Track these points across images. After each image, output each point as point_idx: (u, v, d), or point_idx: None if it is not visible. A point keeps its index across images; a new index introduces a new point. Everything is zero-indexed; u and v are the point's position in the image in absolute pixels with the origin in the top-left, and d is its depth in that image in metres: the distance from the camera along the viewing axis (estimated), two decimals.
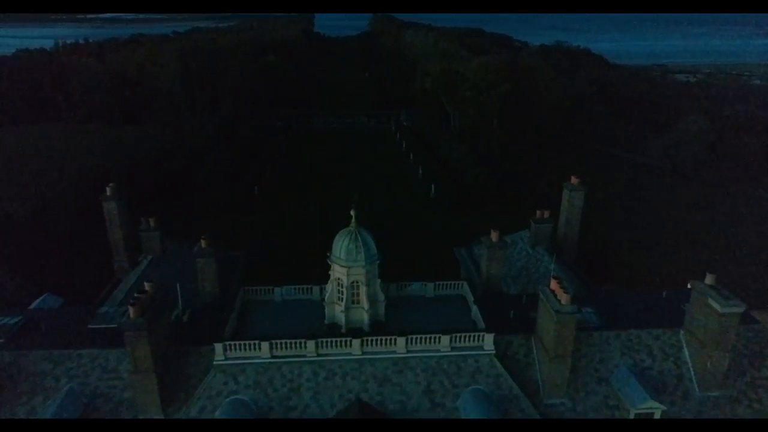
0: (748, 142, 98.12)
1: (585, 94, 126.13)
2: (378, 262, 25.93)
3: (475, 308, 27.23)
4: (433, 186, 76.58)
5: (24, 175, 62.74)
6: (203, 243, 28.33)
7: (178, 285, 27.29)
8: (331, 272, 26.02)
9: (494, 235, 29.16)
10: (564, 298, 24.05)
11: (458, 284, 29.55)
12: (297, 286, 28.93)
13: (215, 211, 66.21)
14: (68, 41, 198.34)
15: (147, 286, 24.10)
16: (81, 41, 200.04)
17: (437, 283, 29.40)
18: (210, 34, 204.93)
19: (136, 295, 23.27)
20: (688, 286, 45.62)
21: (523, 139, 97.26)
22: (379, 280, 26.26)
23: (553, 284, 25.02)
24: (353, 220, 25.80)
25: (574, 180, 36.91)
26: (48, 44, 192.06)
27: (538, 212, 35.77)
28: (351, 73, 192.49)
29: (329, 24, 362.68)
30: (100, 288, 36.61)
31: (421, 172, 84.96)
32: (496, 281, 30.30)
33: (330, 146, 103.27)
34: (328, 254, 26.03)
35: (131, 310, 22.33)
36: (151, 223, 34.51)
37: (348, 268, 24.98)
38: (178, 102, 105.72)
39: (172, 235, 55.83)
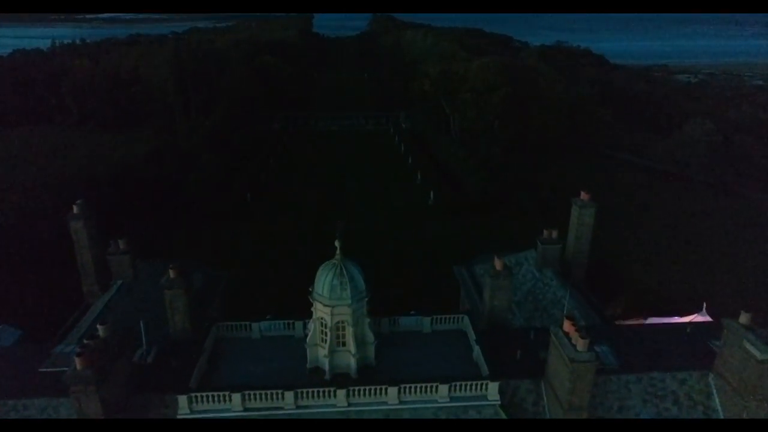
0: (754, 145, 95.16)
1: (587, 95, 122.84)
2: (367, 298, 22.51)
3: (477, 348, 23.85)
4: (432, 193, 73.17)
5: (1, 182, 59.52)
6: (172, 273, 24.95)
7: (141, 322, 23.90)
8: (313, 310, 22.62)
9: (498, 263, 25.77)
10: (581, 343, 20.67)
11: (458, 318, 26.16)
12: (277, 321, 25.55)
13: (204, 220, 62.79)
14: (65, 41, 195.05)
15: (100, 329, 20.78)
16: (78, 41, 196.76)
17: (434, 317, 26.01)
18: (208, 35, 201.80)
19: (84, 341, 19.93)
20: (703, 306, 42.69)
21: (524, 143, 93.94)
22: (368, 320, 22.85)
23: (567, 326, 21.63)
24: (338, 251, 22.37)
25: (584, 196, 33.52)
26: (45, 44, 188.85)
27: (545, 231, 32.37)
28: (350, 74, 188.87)
29: (328, 24, 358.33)
30: (68, 313, 33.36)
31: (419, 177, 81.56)
32: (501, 313, 26.93)
33: (327, 149, 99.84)
34: (310, 290, 22.63)
35: (77, 361, 19.00)
36: (121, 245, 31.13)
37: (332, 307, 21.58)
38: (171, 105, 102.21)
39: (157, 245, 53.29)
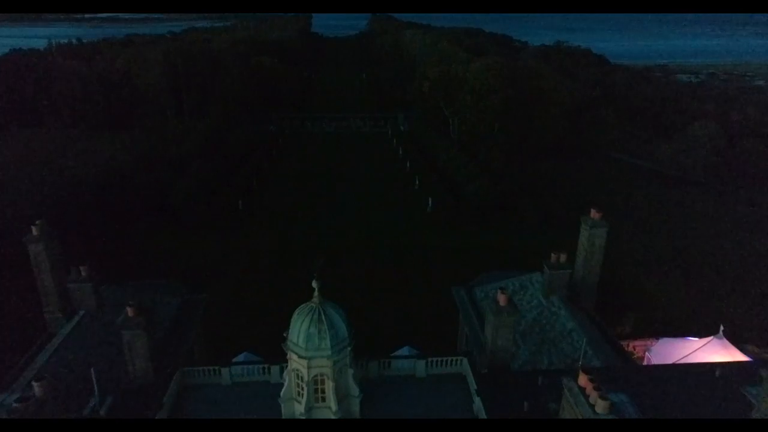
0: (758, 148, 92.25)
1: (589, 97, 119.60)
2: (351, 347, 19.21)
3: (478, 400, 20.57)
4: (430, 199, 69.80)
5: None
6: (130, 311, 21.65)
7: (93, 370, 20.61)
8: (288, 360, 19.32)
9: (502, 298, 22.45)
10: (600, 405, 17.33)
11: (456, 361, 22.85)
12: (250, 366, 22.24)
13: (191, 230, 59.40)
14: (62, 41, 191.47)
15: (36, 386, 17.50)
16: (74, 41, 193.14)
17: (430, 359, 22.71)
18: (205, 35, 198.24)
19: (14, 405, 16.63)
20: (720, 329, 39.35)
21: (525, 146, 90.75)
22: (352, 370, 19.54)
23: (583, 380, 18.31)
24: (316, 293, 19.04)
25: (594, 214, 30.19)
26: (42, 44, 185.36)
27: (552, 256, 29.05)
28: (348, 75, 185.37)
29: (327, 24, 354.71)
30: (31, 343, 30.12)
31: (417, 182, 78.24)
32: (505, 354, 23.62)
33: (323, 152, 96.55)
34: (285, 335, 19.32)
35: None
36: (82, 272, 27.83)
37: (308, 359, 18.29)
38: (164, 107, 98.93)
39: (137, 259, 49.93)
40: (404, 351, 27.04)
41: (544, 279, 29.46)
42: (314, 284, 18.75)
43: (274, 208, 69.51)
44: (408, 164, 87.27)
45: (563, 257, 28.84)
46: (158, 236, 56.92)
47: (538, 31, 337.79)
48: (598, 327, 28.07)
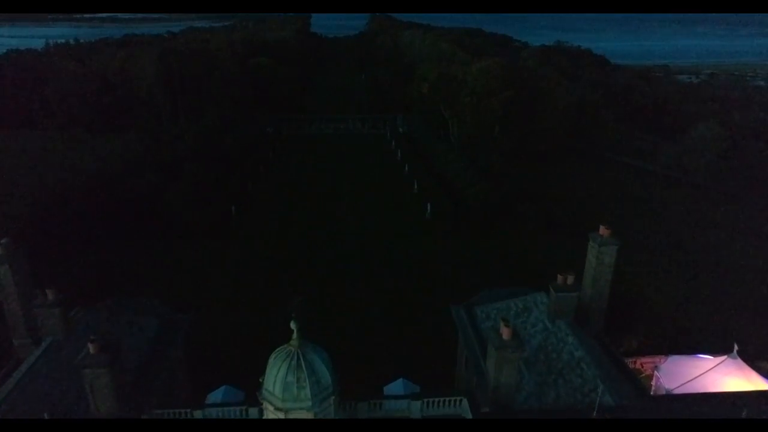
0: (762, 150, 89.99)
1: (590, 98, 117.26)
2: (335, 395, 16.83)
3: None
4: (429, 205, 67.40)
5: None
6: (92, 348, 19.29)
7: (45, 415, 18.27)
8: (264, 409, 16.96)
9: (506, 332, 20.10)
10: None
11: (455, 401, 20.51)
12: (226, 409, 19.91)
13: (182, 238, 56.94)
14: (59, 41, 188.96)
15: None
16: (71, 41, 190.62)
17: (425, 400, 20.36)
18: (204, 35, 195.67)
19: None
20: (734, 348, 36.93)
21: (525, 149, 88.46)
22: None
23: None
24: (294, 336, 16.65)
25: (603, 231, 27.84)
26: (40, 44, 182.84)
27: (559, 277, 26.66)
28: (347, 75, 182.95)
29: (327, 24, 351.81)
30: None
31: (416, 186, 75.88)
32: (508, 390, 21.26)
33: (320, 155, 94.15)
34: (261, 380, 16.95)
35: None
36: (50, 295, 25.44)
37: (286, 411, 15.94)
38: (158, 109, 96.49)
39: (121, 272, 47.54)
40: (398, 385, 24.70)
41: (550, 302, 27.09)
42: (292, 325, 16.38)
43: (269, 214, 67.12)
44: (406, 167, 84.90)
45: (570, 279, 26.46)
46: (144, 247, 54.29)
47: (538, 31, 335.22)
48: (609, 356, 25.70)
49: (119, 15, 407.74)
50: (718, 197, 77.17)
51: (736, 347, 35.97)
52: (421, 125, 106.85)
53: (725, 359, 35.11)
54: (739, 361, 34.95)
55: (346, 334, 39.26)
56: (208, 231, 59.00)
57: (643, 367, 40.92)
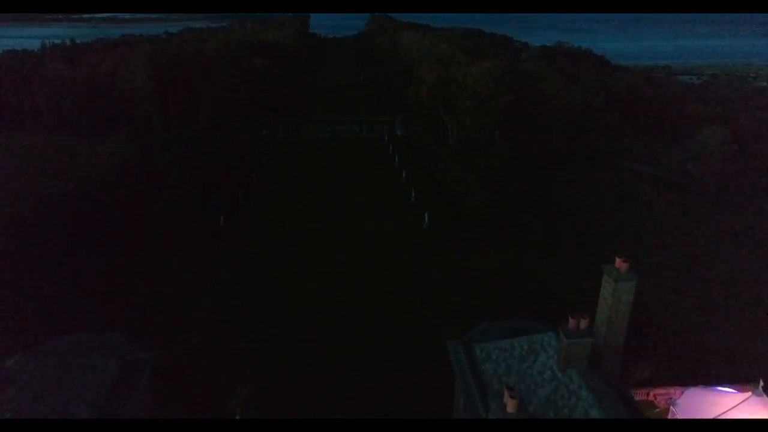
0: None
1: (592, 101, 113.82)
2: None
3: None
4: (426, 215, 63.84)
5: None
6: None
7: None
8: None
9: (511, 404, 16.53)
10: None
11: None
12: None
13: (164, 252, 53.39)
14: (56, 42, 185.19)
15: None
16: (67, 42, 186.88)
17: None
18: (201, 35, 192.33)
19: None
20: (760, 384, 33.45)
21: (526, 155, 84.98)
22: None
23: None
24: None
25: (620, 264, 24.32)
26: (37, 45, 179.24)
27: (571, 320, 23.11)
28: (345, 76, 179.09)
29: (326, 24, 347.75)
30: None
31: (413, 194, 72.33)
32: None
33: (316, 160, 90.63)
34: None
35: None
36: None
37: None
38: (150, 112, 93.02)
39: (90, 294, 42.78)
40: None
41: (561, 348, 23.52)
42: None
43: (260, 225, 63.54)
44: (404, 174, 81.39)
45: (584, 323, 22.90)
46: (122, 263, 50.28)
47: (538, 31, 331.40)
48: (631, 410, 22.11)
49: (119, 15, 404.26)
50: (726, 204, 73.76)
51: (761, 384, 32.57)
52: (420, 128, 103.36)
53: (750, 397, 31.70)
54: (765, 398, 31.61)
55: (332, 364, 35.85)
56: (193, 244, 55.40)
57: (656, 399, 37.48)
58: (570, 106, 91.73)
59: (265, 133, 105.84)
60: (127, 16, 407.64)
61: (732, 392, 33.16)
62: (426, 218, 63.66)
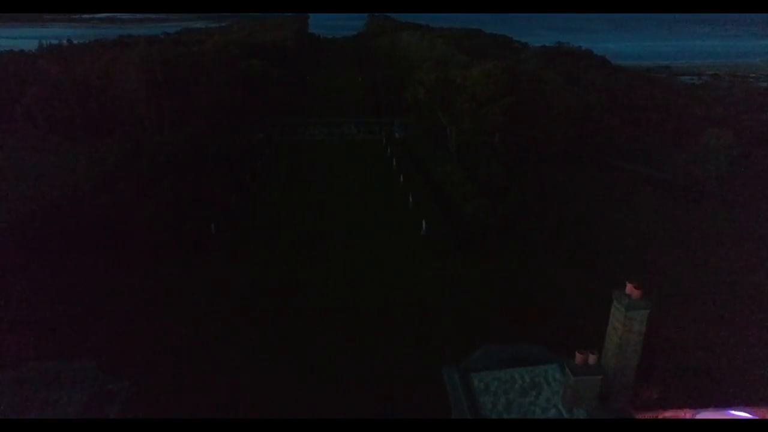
0: None
1: (593, 102, 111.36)
2: None
3: None
4: (424, 222, 61.42)
5: None
6: None
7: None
8: None
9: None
10: None
11: None
12: None
13: (149, 262, 50.97)
14: (53, 42, 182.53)
15: None
16: (64, 42, 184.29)
17: None
18: (198, 36, 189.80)
19: None
20: None
21: (527, 158, 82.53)
22: None
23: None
24: None
25: (631, 290, 21.89)
26: (35, 45, 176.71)
27: (578, 356, 20.71)
28: (344, 77, 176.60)
29: (325, 24, 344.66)
30: None
31: (411, 200, 69.91)
32: None
33: (312, 164, 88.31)
34: None
35: None
36: None
37: None
38: (142, 115, 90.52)
39: (61, 314, 39.73)
40: None
41: (567, 386, 21.10)
42: None
43: (251, 233, 61.14)
44: (402, 178, 79.00)
45: (593, 358, 20.48)
46: (103, 276, 47.75)
47: (538, 31, 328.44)
48: None
49: (118, 16, 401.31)
50: (732, 208, 71.27)
51: None
52: (419, 131, 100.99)
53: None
54: None
55: (321, 391, 33.45)
56: (180, 254, 53.01)
57: None
58: (571, 107, 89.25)
59: (261, 135, 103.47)
60: (126, 16, 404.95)
61: (747, 416, 30.80)
62: (423, 225, 61.28)
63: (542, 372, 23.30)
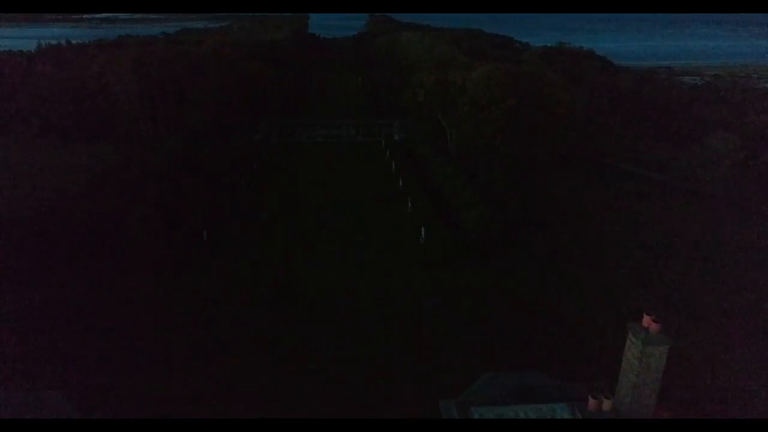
0: None
1: (596, 104, 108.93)
2: None
3: None
4: (423, 229, 59.10)
5: None
6: None
7: None
8: None
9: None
10: None
11: None
12: None
13: (136, 272, 48.60)
14: (52, 42, 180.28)
15: None
16: (63, 43, 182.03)
17: None
18: (198, 36, 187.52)
19: None
20: None
21: (529, 162, 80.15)
22: None
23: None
24: None
25: (648, 322, 19.63)
26: (34, 46, 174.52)
27: (591, 401, 18.50)
28: (343, 78, 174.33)
29: (326, 24, 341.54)
30: None
31: (410, 205, 67.64)
32: None
33: (309, 167, 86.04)
34: None
35: None
36: None
37: None
38: (137, 117, 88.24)
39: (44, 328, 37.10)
40: None
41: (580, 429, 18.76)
42: None
43: (245, 239, 58.81)
44: (401, 182, 76.70)
45: (607, 404, 18.21)
46: (87, 287, 45.33)
47: (539, 31, 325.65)
48: None
49: (119, 15, 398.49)
50: (741, 213, 68.82)
51: None
52: (418, 133, 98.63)
53: None
54: None
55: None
56: (170, 264, 50.69)
57: None
58: (573, 109, 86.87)
59: (258, 137, 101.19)
60: (127, 16, 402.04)
61: None
62: (422, 232, 58.96)
63: (550, 411, 20.96)
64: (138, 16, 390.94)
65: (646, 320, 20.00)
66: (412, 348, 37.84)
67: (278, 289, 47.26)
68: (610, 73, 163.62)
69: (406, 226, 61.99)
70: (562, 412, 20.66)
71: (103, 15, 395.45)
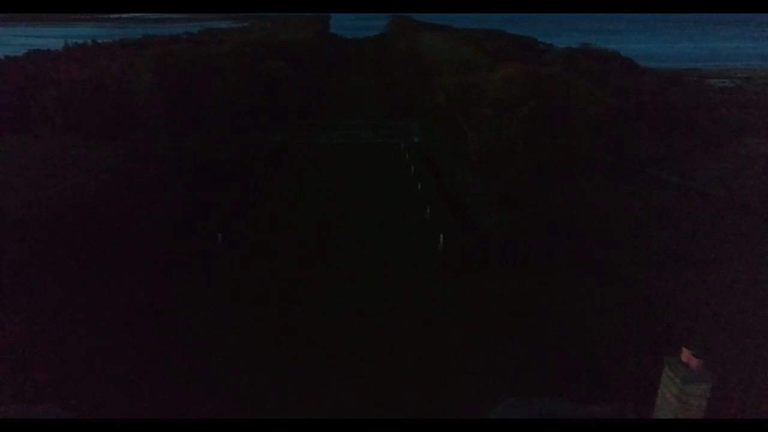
0: None
1: (622, 107, 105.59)
2: None
3: None
4: (441, 236, 57.25)
5: None
6: None
7: None
8: None
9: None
10: None
11: None
12: None
13: (149, 276, 47.65)
14: (78, 41, 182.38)
15: None
16: (89, 42, 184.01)
17: None
18: (220, 36, 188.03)
19: None
20: None
21: (552, 167, 77.58)
22: None
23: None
24: None
25: (688, 358, 17.64)
26: (59, 45, 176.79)
27: None
28: (364, 79, 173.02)
29: (347, 24, 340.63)
30: None
31: (429, 211, 65.85)
32: None
33: (327, 169, 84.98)
34: None
35: None
36: None
37: None
38: (156, 118, 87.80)
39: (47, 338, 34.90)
40: None
41: None
42: None
43: (259, 242, 57.64)
44: (419, 186, 74.97)
45: None
46: (84, 303, 43.95)
47: (563, 32, 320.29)
48: None
49: (146, 16, 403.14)
50: None
51: None
52: (439, 135, 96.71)
53: None
54: None
55: None
56: (182, 269, 49.65)
57: None
58: (598, 112, 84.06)
59: (277, 138, 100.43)
60: (152, 16, 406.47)
61: None
62: (441, 239, 57.11)
63: None
64: (163, 16, 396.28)
65: (685, 355, 17.97)
66: (425, 364, 35.97)
67: (290, 294, 45.86)
68: (635, 74, 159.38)
69: (425, 231, 60.23)
70: None
71: (129, 15, 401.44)
